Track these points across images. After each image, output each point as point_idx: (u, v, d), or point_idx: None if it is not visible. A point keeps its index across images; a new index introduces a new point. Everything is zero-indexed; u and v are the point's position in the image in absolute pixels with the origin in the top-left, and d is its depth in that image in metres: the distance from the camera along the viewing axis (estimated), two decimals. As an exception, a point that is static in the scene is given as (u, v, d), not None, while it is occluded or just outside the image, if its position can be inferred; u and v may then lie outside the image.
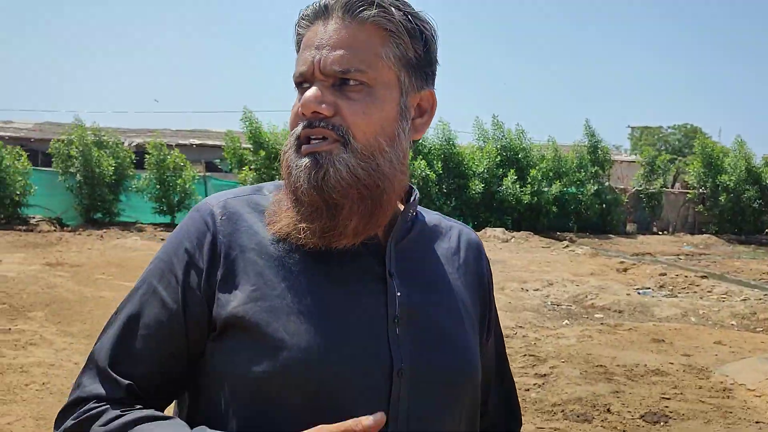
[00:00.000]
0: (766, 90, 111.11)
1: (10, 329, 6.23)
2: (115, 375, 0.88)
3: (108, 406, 0.86)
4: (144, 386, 0.89)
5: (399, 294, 0.90)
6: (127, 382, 0.88)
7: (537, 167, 20.02)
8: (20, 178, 16.97)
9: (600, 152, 21.23)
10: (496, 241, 16.76)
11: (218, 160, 26.09)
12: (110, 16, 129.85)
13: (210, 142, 29.76)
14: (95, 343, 0.94)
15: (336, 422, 0.79)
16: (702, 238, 20.19)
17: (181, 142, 24.65)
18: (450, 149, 19.64)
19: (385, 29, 0.87)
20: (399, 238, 0.96)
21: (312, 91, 0.85)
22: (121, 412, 0.86)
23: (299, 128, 0.87)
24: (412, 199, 1.00)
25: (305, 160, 0.86)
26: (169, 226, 17.82)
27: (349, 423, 0.78)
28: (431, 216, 1.08)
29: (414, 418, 0.88)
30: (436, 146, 19.49)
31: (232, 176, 22.26)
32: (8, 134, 18.55)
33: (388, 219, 0.92)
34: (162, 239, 14.99)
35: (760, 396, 4.87)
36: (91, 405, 0.87)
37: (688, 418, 4.43)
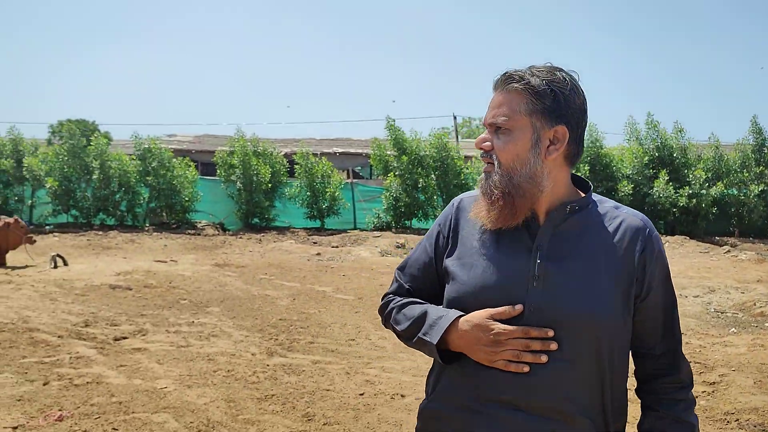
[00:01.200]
0: None
1: (193, 322, 6.92)
2: (401, 281, 1.66)
3: (399, 297, 1.64)
4: (417, 288, 1.62)
5: (539, 261, 1.40)
6: (407, 286, 1.64)
7: (698, 167, 18.81)
8: (189, 186, 18.61)
9: (766, 150, 19.61)
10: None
11: (359, 167, 26.98)
12: (259, 34, 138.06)
13: (352, 150, 30.84)
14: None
15: None
16: None
17: (324, 150, 25.75)
18: (597, 151, 18.99)
19: (520, 93, 1.40)
20: (557, 221, 1.44)
21: (481, 135, 1.47)
22: (405, 299, 1.61)
23: (482, 156, 1.49)
24: (574, 197, 1.48)
25: (482, 176, 1.48)
26: (320, 230, 18.73)
27: (499, 309, 1.39)
28: (605, 206, 1.50)
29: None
30: (585, 148, 18.95)
31: (374, 182, 22.99)
32: (172, 146, 20.32)
33: (524, 213, 1.42)
34: (315, 242, 15.81)
35: None
36: (390, 297, 1.67)
37: None
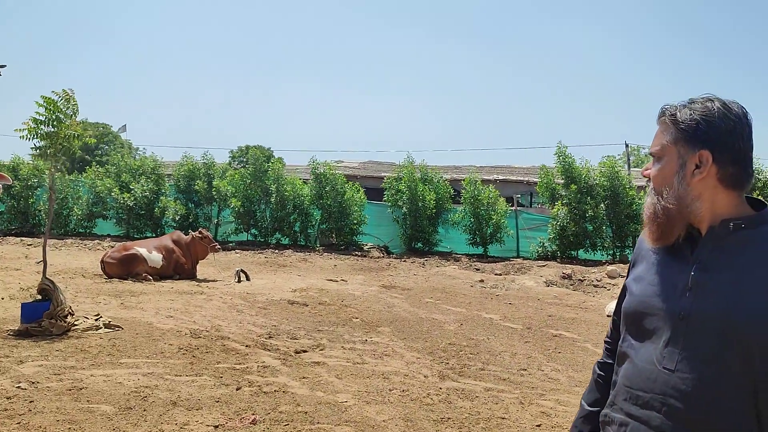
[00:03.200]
0: None
1: (366, 340, 7.18)
2: (611, 326, 1.85)
3: (606, 344, 1.87)
4: (619, 322, 1.73)
5: (693, 273, 1.49)
6: (611, 326, 1.84)
7: None
8: (357, 210, 19.42)
9: None
10: None
11: (520, 195, 26.56)
12: (422, 64, 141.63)
13: (512, 177, 30.52)
14: None
15: (645, 334, 1.56)
16: None
17: (485, 177, 25.68)
18: None
19: (668, 124, 1.57)
20: (720, 236, 1.50)
21: (647, 164, 1.67)
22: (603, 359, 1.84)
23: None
24: (743, 215, 1.52)
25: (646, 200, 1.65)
26: (482, 257, 18.67)
27: None
28: None
29: (688, 348, 1.44)
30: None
31: (534, 210, 22.49)
32: (340, 172, 21.35)
33: (676, 231, 1.55)
34: (477, 269, 15.78)
35: None
36: (604, 344, 1.89)
37: None
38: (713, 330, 1.43)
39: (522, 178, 30.32)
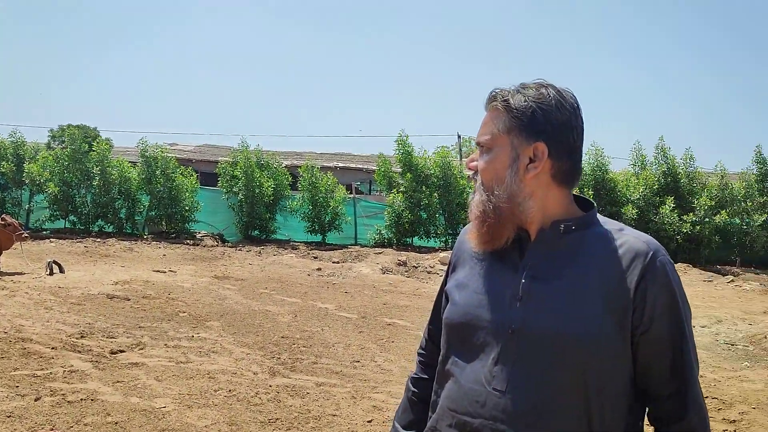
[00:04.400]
0: None
1: (193, 336, 6.72)
2: (425, 336, 1.68)
3: (419, 357, 1.68)
4: (437, 332, 1.55)
5: (524, 281, 1.33)
6: (432, 337, 1.63)
7: (704, 195, 18.75)
8: (189, 196, 18.43)
9: (774, 180, 19.54)
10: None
11: (359, 183, 26.85)
12: (264, 45, 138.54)
13: (352, 165, 30.77)
14: None
15: (472, 349, 1.36)
16: None
17: (325, 164, 25.64)
18: (602, 175, 18.92)
19: (500, 111, 1.37)
20: (550, 240, 1.36)
21: (471, 155, 1.45)
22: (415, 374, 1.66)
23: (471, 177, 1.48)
24: (572, 216, 1.39)
25: (470, 196, 1.45)
26: (320, 245, 18.54)
27: None
28: (608, 227, 1.39)
29: (519, 363, 1.29)
30: (587, 172, 18.86)
31: (373, 198, 22.84)
32: (173, 155, 20.15)
33: (506, 234, 1.36)
34: (315, 257, 15.62)
35: None
36: (418, 356, 1.70)
37: None
38: (546, 345, 1.29)
39: (362, 166, 30.60)
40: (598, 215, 1.42)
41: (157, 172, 18.33)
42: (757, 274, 17.74)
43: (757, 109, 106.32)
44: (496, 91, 1.39)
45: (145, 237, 17.94)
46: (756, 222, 18.68)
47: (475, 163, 1.42)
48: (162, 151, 18.92)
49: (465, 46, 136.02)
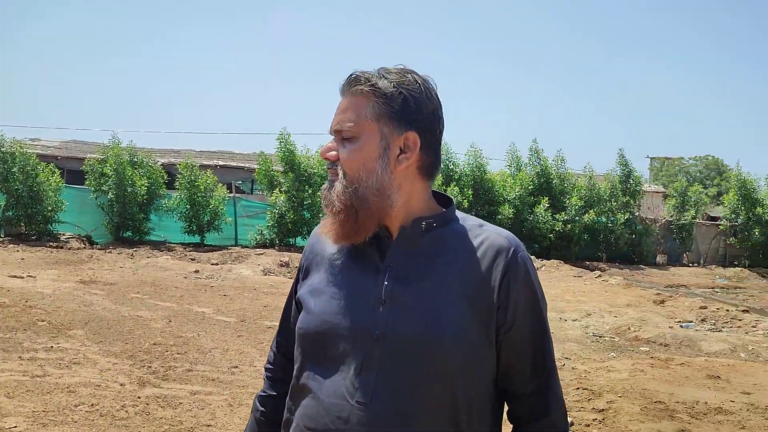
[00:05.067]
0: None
1: (52, 347, 6.16)
2: (273, 349, 1.53)
3: (267, 372, 1.53)
4: (288, 344, 1.45)
5: (386, 283, 1.23)
6: (281, 350, 1.50)
7: (574, 195, 19.83)
8: (52, 195, 17.09)
9: (632, 182, 21.01)
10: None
11: (240, 182, 26.19)
12: (142, 35, 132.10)
13: (233, 164, 29.95)
14: None
15: (331, 361, 1.24)
16: (734, 271, 19.81)
17: (205, 162, 24.79)
18: (481, 175, 19.54)
19: (367, 96, 1.25)
20: (411, 238, 1.27)
21: (327, 144, 1.30)
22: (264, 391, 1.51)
23: (326, 166, 1.32)
24: (433, 212, 1.32)
25: (325, 185, 1.30)
26: (199, 246, 17.83)
27: None
28: (468, 223, 1.33)
29: (385, 370, 1.19)
30: (467, 172, 19.40)
31: (256, 197, 22.32)
32: (36, 151, 18.61)
33: (369, 229, 1.25)
34: (193, 259, 14.98)
35: (835, 439, 4.64)
36: (266, 372, 1.54)
37: (763, 461, 4.21)
38: (412, 351, 1.20)
39: (243, 165, 29.82)
40: (457, 211, 1.36)
41: (15, 169, 16.86)
42: (621, 269, 19.02)
43: (619, 113, 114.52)
44: (359, 73, 1.27)
45: (1, 240, 16.47)
46: (620, 220, 20.00)
47: (334, 152, 1.28)
48: (21, 147, 17.43)
49: (349, 44, 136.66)
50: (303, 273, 1.41)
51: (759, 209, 20.72)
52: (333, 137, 1.30)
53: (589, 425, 4.85)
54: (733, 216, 21.37)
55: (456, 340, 1.20)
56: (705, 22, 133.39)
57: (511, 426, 1.36)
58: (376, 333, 1.21)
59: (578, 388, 5.81)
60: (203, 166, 20.44)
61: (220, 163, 28.48)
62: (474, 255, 1.27)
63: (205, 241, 18.38)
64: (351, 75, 1.28)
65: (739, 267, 20.57)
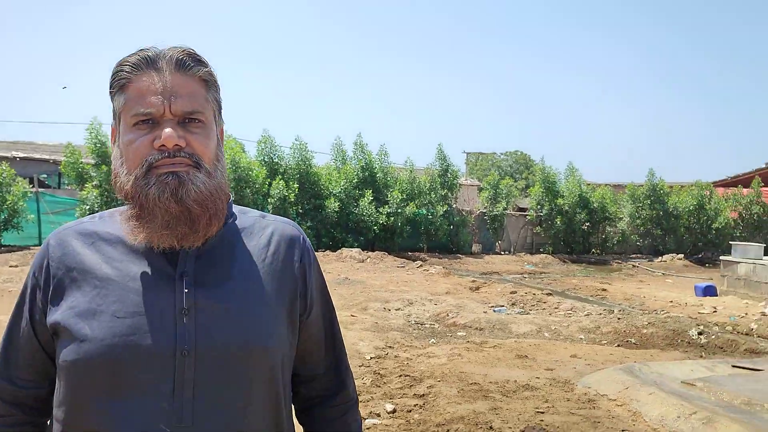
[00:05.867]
0: (581, 120, 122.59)
1: None
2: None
3: None
4: (29, 383, 1.18)
5: (187, 291, 1.10)
6: (10, 390, 1.18)
7: (396, 188, 20.47)
8: None
9: (449, 176, 22.13)
10: (352, 262, 16.81)
11: (45, 175, 24.01)
12: None
13: (36, 156, 27.36)
14: None
15: (131, 389, 1.05)
16: (540, 258, 21.64)
17: (2, 154, 22.42)
18: (307, 169, 19.53)
19: (206, 81, 1.16)
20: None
21: (171, 129, 1.09)
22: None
23: (156, 157, 1.09)
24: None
25: (168, 178, 1.08)
26: (-5, 247, 16.02)
27: None
28: (247, 217, 1.27)
29: (200, 389, 1.07)
30: (292, 166, 19.29)
31: (64, 192, 20.55)
32: None
33: (216, 227, 1.14)
34: (-14, 261, 13.43)
35: (621, 405, 5.19)
36: None
37: (564, 430, 4.60)
38: (232, 361, 1.11)
39: (48, 157, 27.30)
40: (234, 205, 1.30)
41: None
42: (441, 258, 19.99)
43: (438, 110, 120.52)
44: (191, 51, 1.15)
45: None
46: (439, 212, 20.99)
47: (181, 139, 1.10)
48: None
49: (161, 30, 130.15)
50: (51, 294, 1.14)
51: (560, 200, 22.81)
52: (166, 122, 1.10)
53: (410, 411, 5.00)
54: (539, 207, 23.34)
55: (274, 340, 1.16)
56: (503, 27, 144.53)
57: (298, 410, 1.37)
58: (186, 348, 1.07)
59: (401, 376, 5.99)
60: (1, 158, 18.43)
61: (20, 154, 25.84)
62: (269, 248, 1.23)
63: (2, 242, 16.56)
64: (187, 52, 1.14)
65: (544, 254, 22.49)
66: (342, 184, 19.66)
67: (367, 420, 4.73)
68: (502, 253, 22.88)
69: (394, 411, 4.97)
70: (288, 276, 1.22)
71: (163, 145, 1.09)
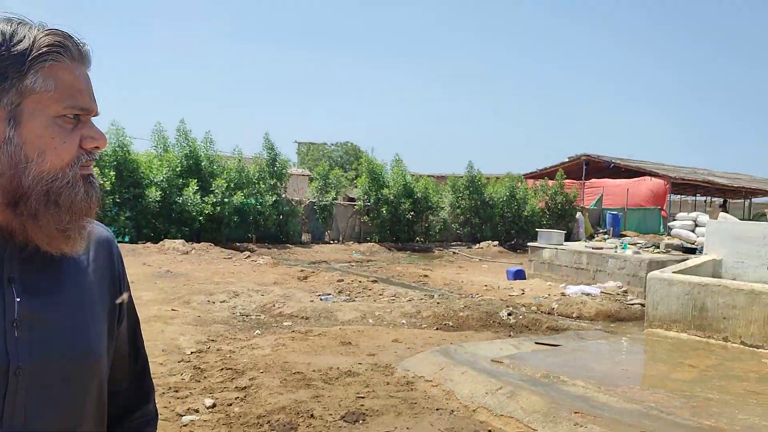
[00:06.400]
0: (409, 114, 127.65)
1: None
2: None
3: None
4: None
5: (19, 299, 0.96)
6: None
7: (223, 177, 19.85)
8: None
9: (278, 165, 21.93)
10: (176, 253, 16.11)
11: None
12: None
13: None
14: None
15: None
16: (368, 246, 22.17)
17: None
18: (124, 156, 18.34)
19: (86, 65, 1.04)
20: (22, 244, 0.99)
21: (98, 130, 1.02)
22: None
23: (85, 158, 1.01)
24: None
25: (94, 180, 1.03)
26: None
27: None
28: None
29: (34, 411, 0.95)
30: (108, 152, 18.03)
31: None
32: None
33: None
34: None
35: (436, 386, 5.46)
36: None
37: (382, 413, 4.75)
38: (69, 378, 1.01)
39: None
40: None
41: None
42: (270, 248, 19.79)
43: (268, 98, 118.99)
44: (80, 40, 1.02)
45: None
46: (268, 202, 20.74)
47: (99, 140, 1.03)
48: None
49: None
50: None
51: (386, 190, 23.51)
52: (89, 120, 1.03)
53: (231, 404, 4.89)
54: (366, 197, 23.88)
55: (104, 352, 1.09)
56: (333, 19, 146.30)
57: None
58: (19, 364, 0.94)
59: (222, 369, 5.84)
60: None
61: None
62: (90, 253, 1.12)
63: None
64: (80, 41, 1.01)
65: (371, 242, 23.08)
66: (164, 172, 18.72)
67: (184, 417, 4.56)
68: (332, 242, 23.13)
69: (213, 405, 4.83)
70: (107, 284, 1.14)
71: (97, 147, 1.03)
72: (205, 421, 4.52)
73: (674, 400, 5.08)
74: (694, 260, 9.32)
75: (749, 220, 29.10)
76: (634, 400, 4.97)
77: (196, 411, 4.70)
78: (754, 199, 43.65)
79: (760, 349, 6.84)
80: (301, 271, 14.08)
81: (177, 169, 19.11)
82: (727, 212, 24.71)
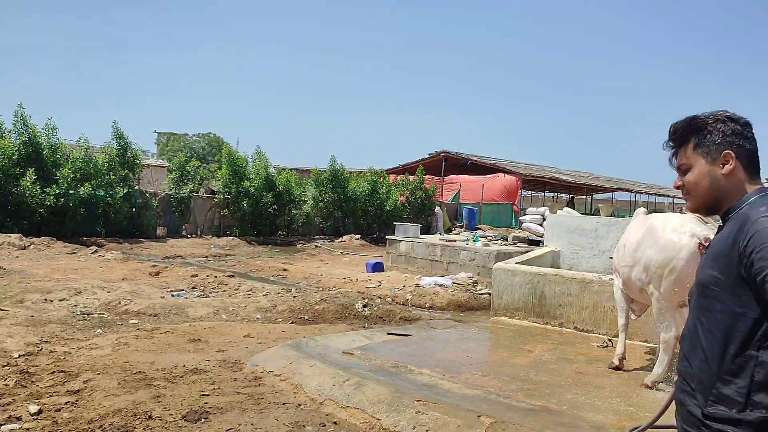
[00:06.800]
0: (272, 105, 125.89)
1: None
2: None
3: None
4: None
5: None
6: None
7: (67, 167, 18.43)
8: None
9: (130, 155, 20.78)
10: (11, 249, 14.82)
11: None
12: None
13: None
14: None
15: None
16: (227, 240, 21.59)
17: None
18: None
19: None
20: None
21: None
22: None
23: None
24: None
25: None
26: None
27: None
28: None
29: None
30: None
31: None
32: None
33: None
34: None
35: (285, 380, 5.38)
36: None
37: (226, 410, 4.60)
38: None
39: None
40: None
41: None
42: (120, 243, 18.72)
43: (122, 88, 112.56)
44: None
45: None
46: (119, 194, 19.60)
47: None
48: None
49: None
50: None
51: (246, 183, 22.99)
52: None
53: (60, 409, 4.53)
54: (226, 189, 23.22)
55: None
56: (190, 8, 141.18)
57: None
58: None
59: (53, 372, 5.41)
60: None
61: None
62: None
63: None
64: None
65: (231, 236, 22.49)
66: (1, 160, 17.15)
67: (2, 426, 4.16)
68: (189, 236, 22.30)
69: (39, 412, 4.45)
70: None
71: None
72: (27, 429, 4.15)
73: (511, 384, 5.35)
74: (536, 251, 9.90)
75: (590, 214, 31.51)
76: (475, 386, 5.18)
77: (18, 419, 4.31)
78: (595, 195, 47.40)
79: (590, 333, 7.39)
80: (154, 266, 13.45)
81: (13, 158, 17.54)
82: (573, 207, 26.60)
